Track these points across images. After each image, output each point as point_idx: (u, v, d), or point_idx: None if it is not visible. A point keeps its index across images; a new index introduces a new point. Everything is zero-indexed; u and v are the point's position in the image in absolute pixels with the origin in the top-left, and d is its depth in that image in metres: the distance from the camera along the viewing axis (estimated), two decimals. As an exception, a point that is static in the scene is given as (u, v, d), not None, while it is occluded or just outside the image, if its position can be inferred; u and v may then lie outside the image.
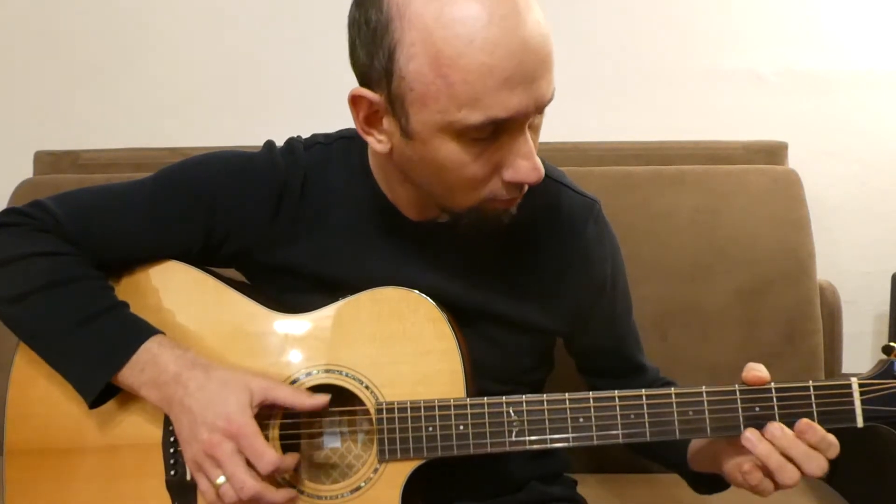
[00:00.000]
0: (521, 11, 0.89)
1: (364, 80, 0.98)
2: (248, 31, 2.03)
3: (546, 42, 0.92)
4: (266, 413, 1.07)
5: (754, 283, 1.72)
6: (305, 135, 1.21)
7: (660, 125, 1.98)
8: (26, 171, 1.93)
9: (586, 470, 1.68)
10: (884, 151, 1.98)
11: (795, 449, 0.97)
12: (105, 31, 2.04)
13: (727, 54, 1.99)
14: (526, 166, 0.95)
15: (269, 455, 1.00)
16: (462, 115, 0.90)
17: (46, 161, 1.94)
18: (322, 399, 1.05)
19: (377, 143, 1.01)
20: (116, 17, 2.03)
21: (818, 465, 0.97)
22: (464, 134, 0.92)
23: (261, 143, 1.19)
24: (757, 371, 1.01)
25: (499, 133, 0.93)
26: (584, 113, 1.95)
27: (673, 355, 1.69)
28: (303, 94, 2.03)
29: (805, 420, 0.98)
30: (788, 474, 0.96)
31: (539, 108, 0.94)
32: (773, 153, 1.88)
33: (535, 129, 0.98)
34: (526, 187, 0.99)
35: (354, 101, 0.99)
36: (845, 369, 1.81)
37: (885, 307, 1.93)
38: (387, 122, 0.98)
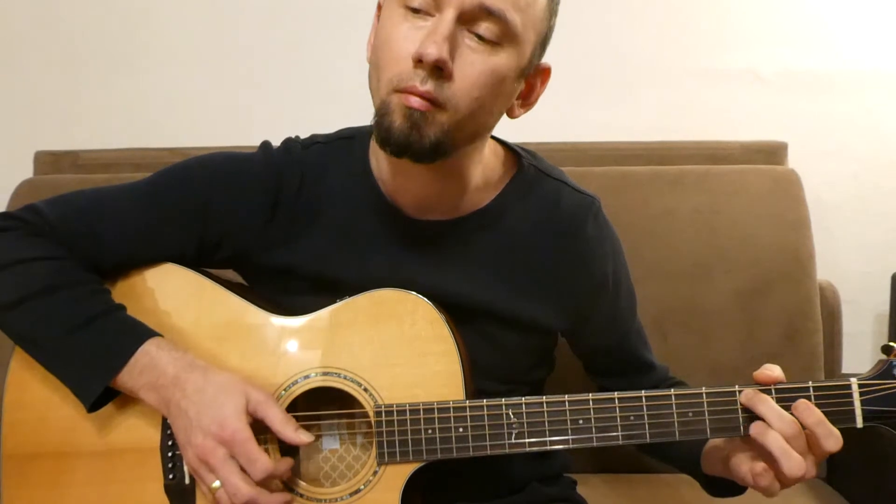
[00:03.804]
0: None
1: None
2: (248, 32, 2.03)
3: None
4: None
5: (754, 283, 1.72)
6: (304, 135, 1.21)
7: (660, 125, 1.98)
8: (26, 171, 1.93)
9: (587, 470, 1.69)
10: (884, 151, 1.98)
11: (775, 416, 0.98)
12: (105, 31, 2.03)
13: (727, 54, 1.98)
14: (426, 40, 0.95)
15: (261, 461, 0.99)
16: None
17: (46, 161, 1.94)
18: (304, 439, 1.03)
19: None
20: (117, 17, 2.03)
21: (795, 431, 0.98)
22: None
23: (259, 143, 1.19)
24: (769, 370, 1.02)
25: (427, 15, 0.97)
26: (584, 113, 1.95)
27: (673, 355, 1.67)
28: (302, 95, 2.02)
29: (803, 400, 0.99)
30: (794, 462, 0.96)
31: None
32: (773, 153, 1.88)
33: (475, 46, 0.97)
34: (428, 85, 0.96)
35: None
36: (845, 369, 1.81)
37: (885, 307, 1.93)
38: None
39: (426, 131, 0.98)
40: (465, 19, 0.96)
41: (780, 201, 1.75)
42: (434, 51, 0.94)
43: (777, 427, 0.97)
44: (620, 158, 1.87)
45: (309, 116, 1.98)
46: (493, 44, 0.98)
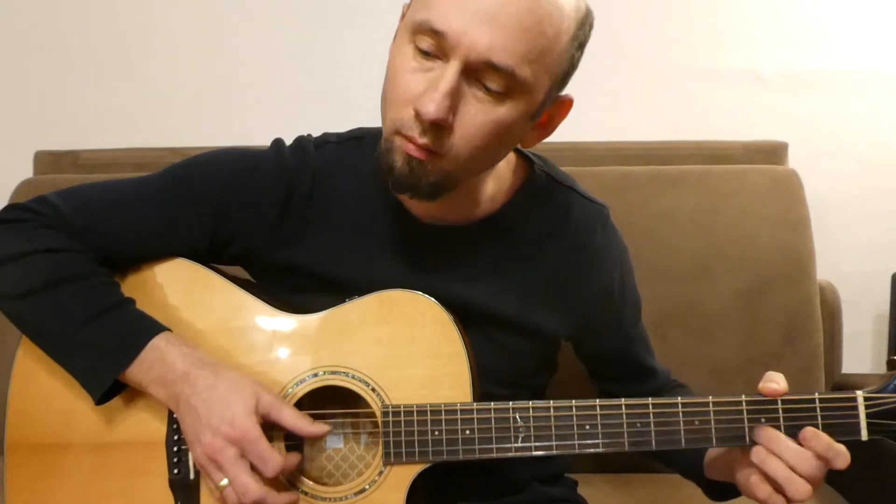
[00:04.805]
0: None
1: None
2: (249, 31, 2.03)
3: (518, 6, 0.92)
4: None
5: (754, 283, 1.73)
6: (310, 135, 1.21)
7: (660, 125, 1.98)
8: (26, 171, 1.93)
9: (588, 470, 1.69)
10: (884, 151, 1.99)
11: (788, 452, 0.98)
12: (105, 31, 2.03)
13: (727, 54, 1.99)
14: (425, 96, 0.94)
15: (274, 459, 0.99)
16: (419, 12, 0.95)
17: (46, 161, 1.94)
18: (323, 429, 1.05)
19: None
20: (117, 17, 2.03)
21: (812, 466, 0.97)
22: (414, 34, 0.95)
23: (260, 142, 1.19)
24: (774, 384, 1.01)
25: (436, 59, 0.95)
26: (584, 113, 1.94)
27: (673, 355, 1.69)
28: (303, 95, 2.02)
29: (810, 428, 0.99)
30: (797, 486, 0.97)
31: (470, 53, 0.92)
32: (773, 153, 1.88)
33: (481, 97, 0.95)
34: (426, 138, 0.95)
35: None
36: (845, 369, 1.82)
37: (885, 307, 1.94)
38: None
39: (425, 177, 0.98)
40: (471, 71, 0.93)
41: (780, 201, 1.76)
42: (432, 110, 0.92)
43: (802, 471, 0.98)
44: (620, 158, 1.87)
45: (309, 116, 1.98)
46: (500, 94, 0.95)
